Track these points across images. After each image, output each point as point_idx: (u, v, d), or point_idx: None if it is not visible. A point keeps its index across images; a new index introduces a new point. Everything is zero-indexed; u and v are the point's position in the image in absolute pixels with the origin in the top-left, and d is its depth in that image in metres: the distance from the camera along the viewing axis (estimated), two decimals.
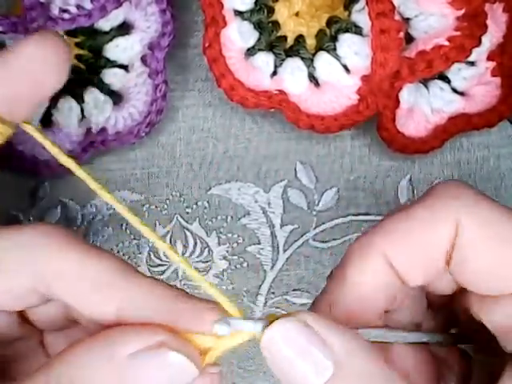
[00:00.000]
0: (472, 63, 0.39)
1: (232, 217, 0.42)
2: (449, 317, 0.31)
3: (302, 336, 0.24)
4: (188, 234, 0.42)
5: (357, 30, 0.37)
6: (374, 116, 0.38)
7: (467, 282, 0.27)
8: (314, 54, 0.38)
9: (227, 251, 0.42)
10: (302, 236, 0.42)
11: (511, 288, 0.26)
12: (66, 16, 0.35)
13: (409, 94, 0.38)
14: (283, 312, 0.43)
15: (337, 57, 0.38)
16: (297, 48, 0.38)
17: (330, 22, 0.38)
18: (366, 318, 0.27)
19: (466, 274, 0.26)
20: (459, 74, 0.39)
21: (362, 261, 0.27)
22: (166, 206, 0.41)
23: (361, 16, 0.37)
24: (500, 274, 0.26)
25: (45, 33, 0.28)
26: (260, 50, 0.38)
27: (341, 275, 0.27)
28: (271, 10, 0.38)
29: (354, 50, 0.37)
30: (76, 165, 0.27)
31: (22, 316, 0.28)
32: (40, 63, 0.28)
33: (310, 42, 0.38)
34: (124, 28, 0.38)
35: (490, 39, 0.39)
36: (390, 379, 0.24)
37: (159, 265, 0.42)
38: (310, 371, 0.24)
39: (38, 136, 0.28)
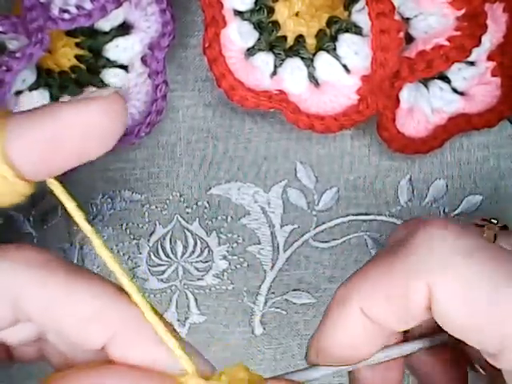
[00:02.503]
0: (472, 63, 0.39)
1: (232, 217, 0.42)
2: None
3: None
4: (188, 234, 0.42)
5: (357, 30, 0.37)
6: (374, 116, 0.38)
7: (450, 332, 0.27)
8: (314, 54, 0.38)
9: (227, 251, 0.42)
10: (302, 236, 0.42)
11: (485, 349, 0.26)
12: (66, 16, 0.35)
13: (409, 94, 0.38)
14: (283, 312, 0.43)
15: (337, 57, 0.38)
16: (297, 48, 0.38)
17: (330, 22, 0.38)
18: (356, 360, 0.28)
19: (446, 327, 0.26)
20: (459, 73, 0.39)
21: (341, 318, 0.28)
22: (166, 206, 0.41)
23: (361, 16, 0.37)
24: (473, 337, 0.26)
25: (110, 96, 0.24)
26: (260, 50, 0.38)
27: (324, 329, 0.28)
28: (271, 10, 0.38)
29: (354, 50, 0.37)
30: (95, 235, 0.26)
31: None
32: (95, 128, 0.24)
33: (310, 41, 0.38)
34: (124, 28, 0.38)
35: (490, 39, 0.39)
36: None
37: (159, 264, 0.42)
38: None
39: (63, 197, 0.26)
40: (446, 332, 0.27)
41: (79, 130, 0.24)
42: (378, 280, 0.27)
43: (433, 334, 0.30)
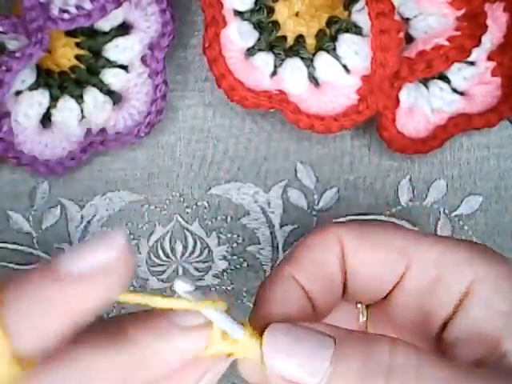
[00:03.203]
0: (472, 63, 0.39)
1: (232, 217, 0.42)
2: None
3: (297, 334, 0.27)
4: (188, 234, 0.42)
5: (357, 30, 0.37)
6: (374, 116, 0.38)
7: (362, 291, 0.31)
8: (313, 54, 0.38)
9: (227, 251, 0.42)
10: (301, 236, 0.42)
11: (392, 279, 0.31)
12: (66, 16, 0.35)
13: (409, 94, 0.38)
14: None
15: (337, 57, 0.38)
16: (297, 48, 0.38)
17: (330, 22, 0.38)
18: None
19: (356, 283, 0.31)
20: (459, 73, 0.39)
21: (277, 282, 0.30)
22: (165, 206, 0.41)
23: (361, 16, 0.37)
24: (378, 276, 0.31)
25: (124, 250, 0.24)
26: (260, 50, 0.38)
27: (262, 294, 0.30)
28: (271, 10, 0.38)
29: (354, 50, 0.37)
30: None
31: None
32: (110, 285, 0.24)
33: (310, 41, 0.38)
34: (124, 28, 0.38)
35: (490, 39, 0.39)
36: (386, 350, 0.27)
37: (159, 265, 0.42)
38: (313, 356, 0.26)
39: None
40: None
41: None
42: (300, 249, 0.31)
43: None
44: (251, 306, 0.42)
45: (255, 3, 0.38)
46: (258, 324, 0.28)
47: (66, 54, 0.38)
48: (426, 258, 0.30)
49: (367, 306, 0.33)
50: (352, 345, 0.26)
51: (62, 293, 0.23)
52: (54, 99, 0.38)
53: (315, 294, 0.30)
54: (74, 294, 0.23)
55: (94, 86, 0.39)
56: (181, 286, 0.26)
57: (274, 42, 0.38)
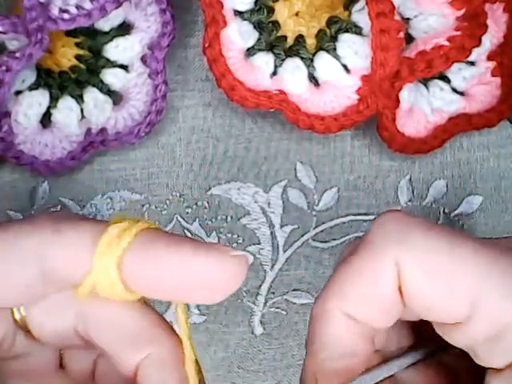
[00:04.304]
0: (472, 63, 0.39)
1: (232, 217, 0.42)
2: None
3: None
4: (188, 234, 0.42)
5: (357, 30, 0.37)
6: (374, 116, 0.38)
7: (421, 315, 0.27)
8: (314, 54, 0.38)
9: None
10: (301, 236, 0.42)
11: (454, 317, 0.26)
12: (66, 16, 0.35)
13: (409, 94, 0.38)
14: (283, 312, 0.43)
15: (337, 57, 0.38)
16: (297, 48, 0.38)
17: (330, 22, 0.38)
18: (354, 370, 0.28)
19: (417, 309, 0.27)
20: (459, 73, 0.39)
21: (326, 331, 0.27)
22: (165, 206, 0.41)
23: (361, 16, 0.37)
24: (442, 305, 0.26)
25: (238, 259, 0.24)
26: (260, 50, 0.38)
27: (312, 347, 0.28)
28: (271, 10, 0.38)
29: (354, 50, 0.37)
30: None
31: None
32: (210, 282, 0.24)
33: (310, 41, 0.38)
34: (124, 28, 0.38)
35: (490, 39, 0.39)
36: None
37: None
38: None
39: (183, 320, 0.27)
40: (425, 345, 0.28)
41: (195, 278, 0.24)
42: (348, 278, 0.27)
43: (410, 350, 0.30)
44: (251, 305, 0.42)
45: (255, 3, 0.38)
46: (313, 374, 0.27)
47: (66, 54, 0.38)
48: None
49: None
50: None
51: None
52: (53, 99, 0.38)
53: (372, 322, 0.27)
54: (194, 255, 0.24)
55: (94, 85, 0.39)
56: None
57: (274, 42, 0.38)
